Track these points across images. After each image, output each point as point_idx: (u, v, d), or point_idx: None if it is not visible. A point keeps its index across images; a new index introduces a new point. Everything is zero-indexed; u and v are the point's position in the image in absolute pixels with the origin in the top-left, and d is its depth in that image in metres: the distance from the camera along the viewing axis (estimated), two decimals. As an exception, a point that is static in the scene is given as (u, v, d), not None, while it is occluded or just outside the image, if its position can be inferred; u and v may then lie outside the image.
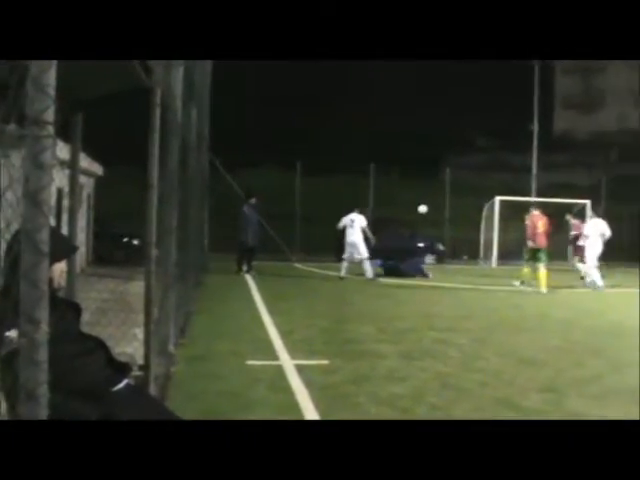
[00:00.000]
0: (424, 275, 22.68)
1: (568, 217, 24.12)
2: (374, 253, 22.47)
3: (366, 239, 21.03)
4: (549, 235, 19.74)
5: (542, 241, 19.26)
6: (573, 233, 23.53)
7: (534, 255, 19.20)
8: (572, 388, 7.82)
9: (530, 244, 19.34)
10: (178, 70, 7.61)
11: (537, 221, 19.45)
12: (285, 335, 10.67)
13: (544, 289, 18.54)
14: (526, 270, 19.70)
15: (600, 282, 19.77)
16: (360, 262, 20.78)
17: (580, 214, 22.44)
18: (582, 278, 21.07)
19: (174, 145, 7.48)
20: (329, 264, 24.58)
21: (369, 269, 20.63)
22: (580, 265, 21.61)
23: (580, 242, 21.26)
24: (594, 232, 20.37)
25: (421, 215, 23.15)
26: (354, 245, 20.69)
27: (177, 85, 7.62)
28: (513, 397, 7.36)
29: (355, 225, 20.89)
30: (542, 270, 18.95)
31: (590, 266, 20.20)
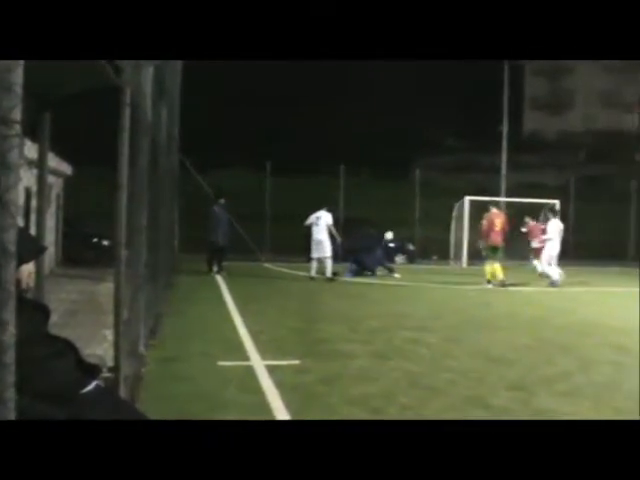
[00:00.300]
0: (389, 271, 22.92)
1: (527, 219, 24.75)
2: (345, 253, 22.59)
3: (332, 237, 21.00)
4: (506, 233, 20.13)
5: (497, 239, 19.63)
6: (523, 230, 24.32)
7: (492, 252, 19.63)
8: (541, 386, 7.87)
9: (484, 242, 19.88)
10: (148, 69, 7.57)
11: (495, 219, 19.85)
12: (256, 335, 10.65)
13: (502, 277, 19.33)
14: (488, 268, 19.96)
15: (556, 277, 20.13)
16: (323, 260, 20.80)
17: (545, 216, 22.65)
18: (540, 275, 21.50)
19: (144, 145, 7.44)
20: (299, 264, 24.57)
21: (329, 268, 20.61)
22: (536, 263, 22.22)
23: (535, 244, 21.68)
24: (555, 233, 20.72)
25: (391, 215, 23.41)
26: (319, 243, 20.65)
27: (147, 84, 7.57)
28: (483, 395, 7.39)
29: (321, 223, 20.81)
30: (496, 265, 19.64)
31: (545, 264, 20.54)
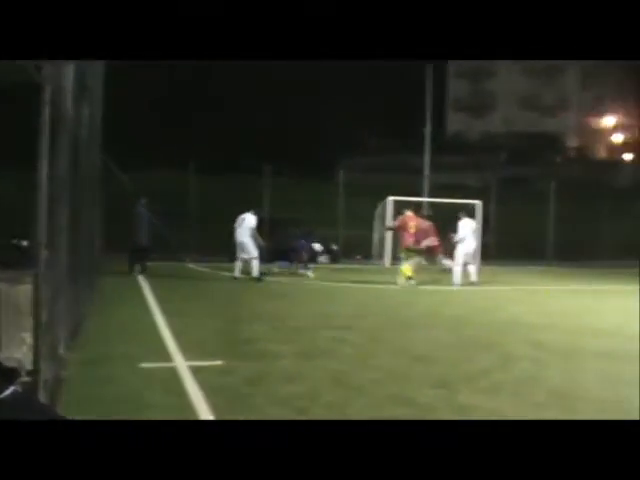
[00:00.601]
0: (305, 269, 23.03)
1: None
2: (269, 255, 22.61)
3: (255, 239, 20.96)
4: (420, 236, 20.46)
5: (411, 241, 19.84)
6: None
7: (408, 254, 19.94)
8: (464, 383, 7.99)
9: (399, 244, 20.27)
10: (69, 66, 7.42)
11: (409, 222, 20.06)
12: (179, 336, 10.54)
13: (410, 274, 19.71)
14: (405, 267, 20.20)
15: (458, 281, 20.44)
16: (248, 261, 20.74)
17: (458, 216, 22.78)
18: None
19: (64, 144, 7.29)
20: (223, 264, 24.45)
21: (255, 268, 20.59)
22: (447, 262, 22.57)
23: (428, 242, 22.01)
24: (467, 232, 20.96)
25: (315, 215, 23.55)
26: (241, 244, 20.67)
27: (68, 82, 7.43)
28: (407, 393, 7.46)
29: (244, 225, 20.81)
30: (405, 265, 20.02)
31: (456, 264, 20.82)
